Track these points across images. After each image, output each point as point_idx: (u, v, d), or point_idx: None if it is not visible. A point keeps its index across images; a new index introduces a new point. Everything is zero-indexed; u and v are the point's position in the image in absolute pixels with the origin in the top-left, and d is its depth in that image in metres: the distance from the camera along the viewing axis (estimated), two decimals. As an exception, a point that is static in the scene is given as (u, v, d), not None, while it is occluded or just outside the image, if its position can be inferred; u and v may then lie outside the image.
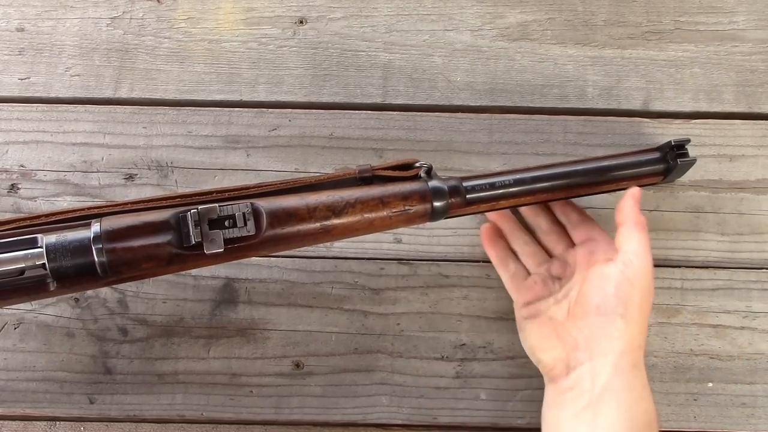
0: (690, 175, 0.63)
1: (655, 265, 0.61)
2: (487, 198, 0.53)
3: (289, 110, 0.65)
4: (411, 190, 0.52)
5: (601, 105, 0.66)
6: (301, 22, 0.68)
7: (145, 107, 0.65)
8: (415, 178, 0.54)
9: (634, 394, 0.49)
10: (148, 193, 0.63)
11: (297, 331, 0.60)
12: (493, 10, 0.68)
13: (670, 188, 0.63)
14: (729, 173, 0.64)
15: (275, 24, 0.68)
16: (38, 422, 0.58)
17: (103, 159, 0.64)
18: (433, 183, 0.52)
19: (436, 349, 0.60)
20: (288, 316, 0.60)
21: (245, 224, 0.48)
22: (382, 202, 0.51)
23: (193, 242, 0.47)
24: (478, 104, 0.66)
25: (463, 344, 0.60)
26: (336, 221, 0.50)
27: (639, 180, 0.57)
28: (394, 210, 0.51)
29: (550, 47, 0.67)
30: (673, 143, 0.56)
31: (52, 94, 0.66)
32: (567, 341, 0.52)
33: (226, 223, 0.48)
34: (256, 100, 0.66)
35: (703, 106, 0.66)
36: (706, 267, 0.62)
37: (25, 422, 0.58)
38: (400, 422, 0.58)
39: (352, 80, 0.66)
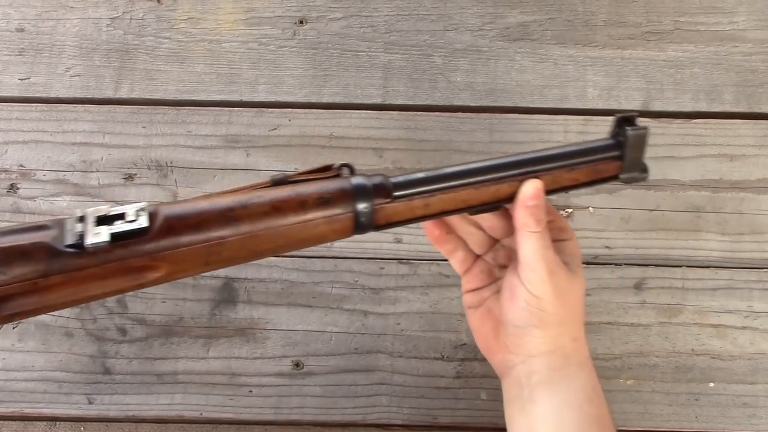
0: (690, 175, 0.63)
1: (657, 265, 0.62)
2: (418, 193, 0.47)
3: (289, 110, 0.65)
4: (330, 187, 0.46)
5: (601, 105, 0.66)
6: (301, 22, 0.68)
7: (145, 107, 0.65)
8: (336, 177, 0.47)
9: (567, 379, 0.49)
10: (147, 192, 0.63)
11: (297, 330, 0.60)
12: (493, 10, 0.68)
13: (670, 188, 0.63)
14: (729, 173, 0.64)
15: (275, 24, 0.68)
16: (38, 422, 0.58)
17: (102, 159, 0.64)
18: (356, 179, 0.46)
19: (436, 349, 0.60)
20: (288, 315, 0.60)
21: (137, 219, 0.42)
22: (298, 200, 0.45)
23: (74, 240, 0.41)
24: (478, 104, 0.66)
25: (464, 344, 0.60)
26: (245, 223, 0.44)
27: (594, 166, 0.50)
28: (309, 212, 0.45)
29: (550, 47, 0.67)
30: (619, 116, 0.50)
31: (52, 94, 0.66)
32: (501, 343, 0.51)
33: (116, 222, 0.42)
34: (256, 100, 0.66)
35: (703, 106, 0.66)
36: (707, 267, 0.62)
37: (25, 422, 0.58)
38: (400, 422, 0.58)
39: (352, 80, 0.66)
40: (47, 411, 0.58)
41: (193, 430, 0.58)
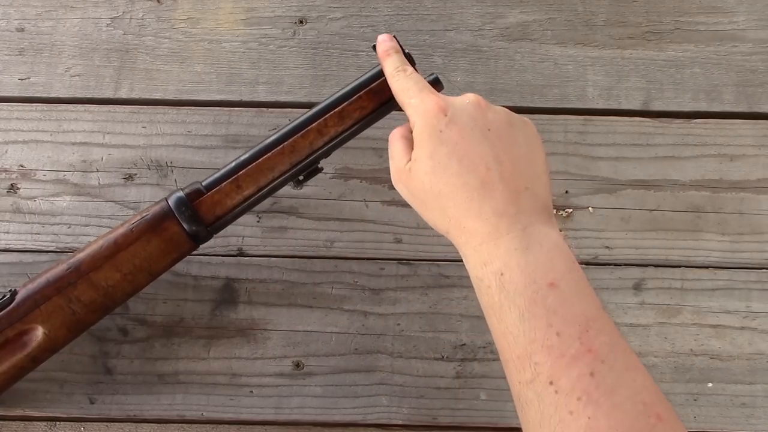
0: (690, 175, 0.64)
1: (656, 266, 0.62)
2: (225, 178, 0.52)
3: (289, 110, 0.65)
4: (151, 209, 0.52)
5: (601, 105, 0.66)
6: (301, 22, 0.68)
7: (145, 107, 0.65)
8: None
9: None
10: (147, 193, 0.63)
11: (297, 331, 0.60)
12: (493, 10, 0.68)
13: (670, 188, 0.63)
14: (729, 173, 0.64)
15: (275, 24, 0.68)
16: (38, 422, 0.58)
17: (102, 159, 0.64)
18: (171, 196, 0.52)
19: (436, 349, 0.60)
20: (288, 316, 0.60)
21: (2, 298, 0.51)
22: (127, 229, 0.51)
23: None
24: (478, 104, 0.66)
25: (463, 344, 0.60)
26: (86, 263, 0.51)
27: (371, 90, 0.54)
28: (141, 235, 0.51)
29: (550, 47, 0.67)
30: (372, 45, 0.54)
31: (52, 94, 0.66)
32: None
33: None
34: (256, 100, 0.66)
35: (703, 106, 0.66)
36: (707, 267, 0.62)
37: (26, 422, 0.58)
38: (400, 422, 0.58)
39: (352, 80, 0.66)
40: (49, 411, 0.58)
41: (194, 430, 0.59)
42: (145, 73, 0.66)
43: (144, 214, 0.52)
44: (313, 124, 0.53)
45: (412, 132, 0.47)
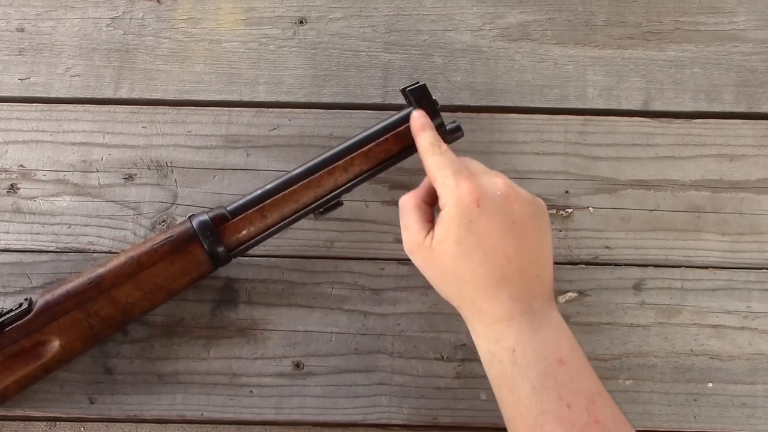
0: (690, 175, 0.64)
1: (656, 266, 0.62)
2: (251, 205, 0.53)
3: (289, 110, 0.65)
4: (175, 229, 0.53)
5: (601, 105, 0.66)
6: (301, 22, 0.68)
7: (145, 107, 0.65)
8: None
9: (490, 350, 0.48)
10: (147, 193, 0.63)
11: (297, 331, 0.60)
12: (493, 10, 0.68)
13: (670, 188, 0.63)
14: (729, 173, 0.64)
15: (275, 24, 0.68)
16: (38, 422, 0.58)
17: (102, 159, 0.64)
18: (196, 218, 0.53)
19: (436, 350, 0.60)
20: (288, 316, 0.60)
21: (19, 306, 0.51)
22: (151, 248, 0.52)
23: None
24: (478, 104, 0.66)
25: (463, 344, 0.60)
26: (107, 279, 0.52)
27: (398, 133, 0.55)
28: (165, 256, 0.52)
29: (550, 47, 0.67)
30: (402, 89, 0.56)
31: (52, 94, 0.66)
32: None
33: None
34: (256, 100, 0.66)
35: (703, 106, 0.66)
36: (707, 267, 0.62)
37: (25, 422, 0.58)
38: (400, 422, 0.58)
39: (352, 80, 0.66)
40: (49, 411, 0.58)
41: (194, 430, 0.59)
42: (145, 73, 0.66)
43: (168, 235, 0.52)
44: (340, 162, 0.54)
45: (426, 202, 0.50)
